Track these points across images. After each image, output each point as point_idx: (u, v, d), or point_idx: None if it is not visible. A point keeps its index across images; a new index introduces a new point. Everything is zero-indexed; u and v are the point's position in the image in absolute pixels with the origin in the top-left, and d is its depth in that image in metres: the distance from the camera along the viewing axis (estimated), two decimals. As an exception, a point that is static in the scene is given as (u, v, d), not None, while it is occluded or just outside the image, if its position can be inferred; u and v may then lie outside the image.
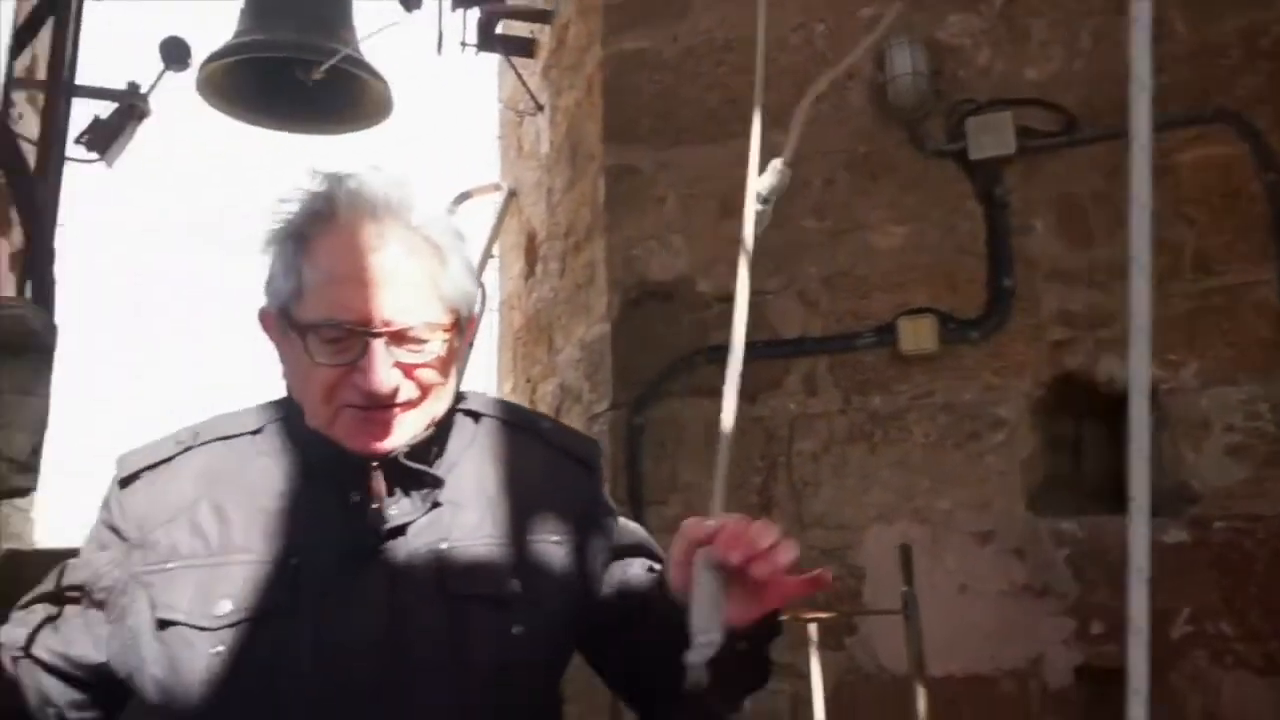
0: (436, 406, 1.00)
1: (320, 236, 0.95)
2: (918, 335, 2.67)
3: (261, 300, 1.03)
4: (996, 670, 2.52)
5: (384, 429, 0.96)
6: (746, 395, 2.83)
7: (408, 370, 0.95)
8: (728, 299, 2.96)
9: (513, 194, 4.84)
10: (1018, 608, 2.50)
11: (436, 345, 0.97)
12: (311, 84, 2.97)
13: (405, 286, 0.94)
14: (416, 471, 0.98)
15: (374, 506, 0.96)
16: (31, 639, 0.96)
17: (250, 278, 1.03)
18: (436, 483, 1.00)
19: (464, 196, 4.91)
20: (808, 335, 2.85)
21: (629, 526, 1.16)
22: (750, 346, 3.10)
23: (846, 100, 2.88)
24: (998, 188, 2.70)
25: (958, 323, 2.67)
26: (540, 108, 4.08)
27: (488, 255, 4.84)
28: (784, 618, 2.25)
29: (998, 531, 2.57)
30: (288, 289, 0.96)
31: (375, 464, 0.97)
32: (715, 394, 3.09)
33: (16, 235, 3.39)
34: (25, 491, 1.93)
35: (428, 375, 0.97)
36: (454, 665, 0.94)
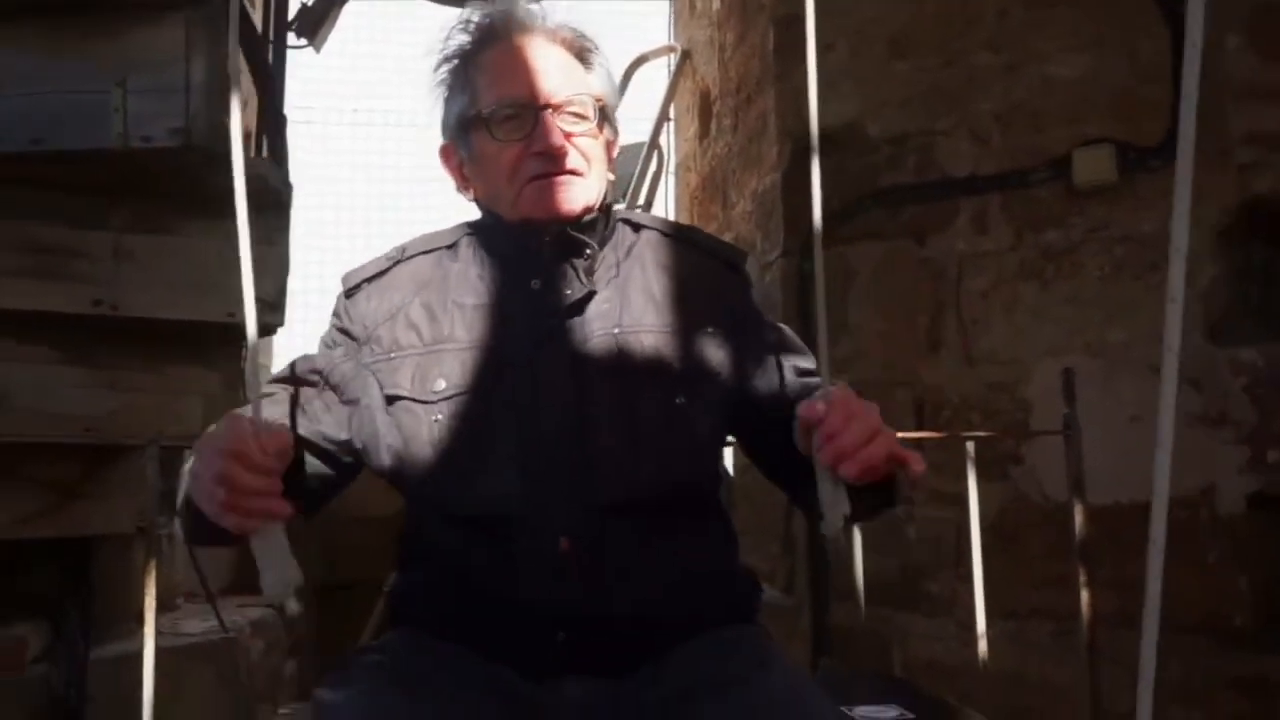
0: (598, 185, 1.18)
1: (485, 51, 1.19)
2: (1094, 166, 2.62)
3: (440, 140, 1.25)
4: (1166, 498, 2.54)
5: (561, 192, 1.14)
6: (915, 236, 2.92)
7: (570, 138, 1.15)
8: (897, 141, 3.01)
9: (686, 55, 4.89)
10: (1191, 437, 2.48)
11: (592, 121, 1.17)
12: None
13: (558, 71, 1.17)
14: (579, 245, 1.16)
15: (547, 280, 1.15)
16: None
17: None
18: (594, 254, 1.17)
19: (639, 60, 5.00)
20: (979, 174, 2.84)
21: (778, 326, 1.28)
22: (919, 188, 3.14)
23: (1022, -75, 2.78)
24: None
25: (1138, 151, 2.60)
26: (710, -37, 4.09)
27: (664, 118, 4.95)
28: (943, 435, 2.32)
29: (1173, 362, 2.54)
30: (464, 100, 1.18)
31: (548, 237, 1.15)
32: (883, 237, 3.16)
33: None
34: (274, 329, 2.28)
35: (588, 145, 1.17)
36: (628, 428, 1.10)
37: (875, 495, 1.01)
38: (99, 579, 2.50)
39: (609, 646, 1.07)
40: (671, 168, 5.14)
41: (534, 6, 1.21)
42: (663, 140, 4.98)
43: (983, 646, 2.02)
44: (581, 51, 1.21)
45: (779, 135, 3.22)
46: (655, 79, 5.06)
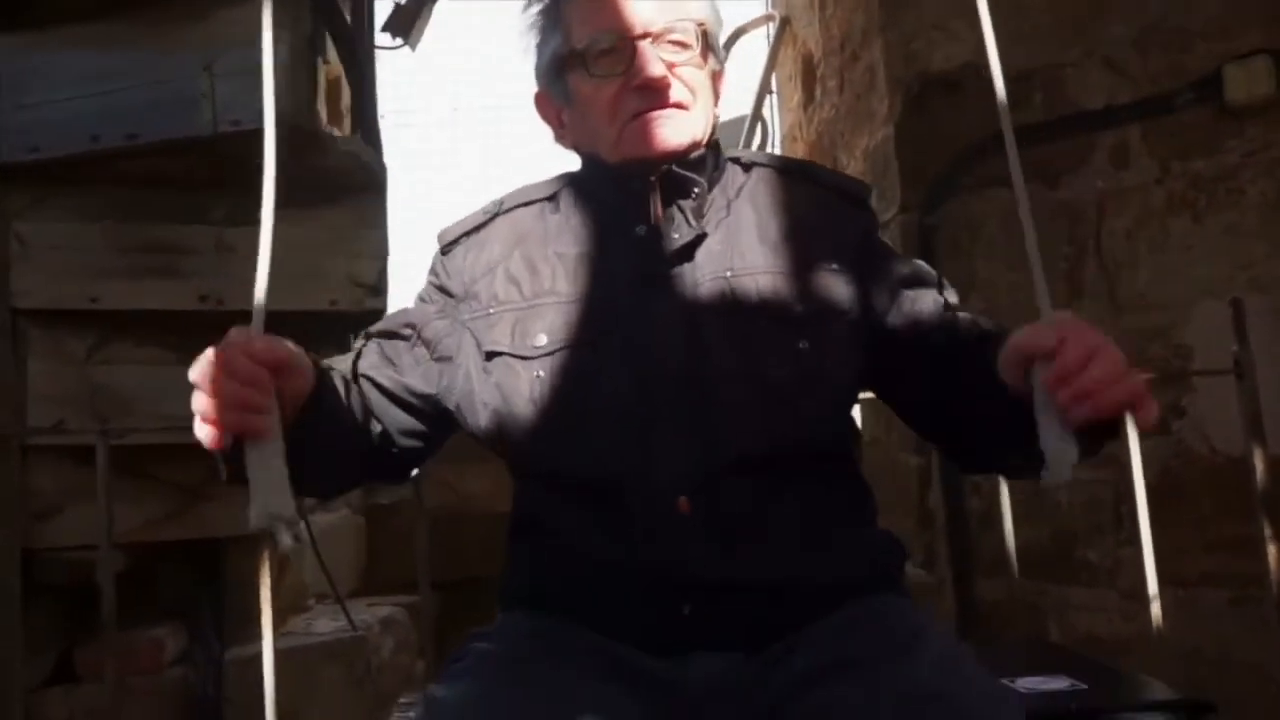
0: (705, 119, 1.09)
1: None
2: (1250, 81, 2.36)
3: (534, 88, 1.17)
4: (1356, 447, 2.26)
5: (665, 127, 1.05)
6: (1046, 178, 2.70)
7: (673, 68, 1.05)
8: (1021, 78, 2.78)
9: (785, 21, 4.73)
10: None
11: (695, 49, 1.07)
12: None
13: None
14: (687, 185, 1.07)
15: (654, 225, 1.06)
16: (356, 365, 1.12)
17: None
18: (702, 194, 1.08)
19: (737, 33, 4.86)
20: (1115, 104, 2.61)
21: (911, 260, 1.16)
22: (1048, 126, 2.90)
23: None
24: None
25: (1300, 59, 2.33)
26: (804, -81, 3.93)
27: (765, 89, 4.81)
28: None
29: (1358, 293, 2.28)
30: (557, 40, 1.10)
31: (653, 178, 1.06)
32: (1010, 182, 2.92)
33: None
34: (379, 313, 2.25)
35: (691, 75, 1.07)
36: (748, 377, 1.01)
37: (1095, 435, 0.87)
38: (230, 581, 2.53)
39: (740, 617, 0.97)
40: (776, 141, 4.98)
41: None
42: (766, 113, 4.84)
43: (1156, 610, 1.82)
44: None
45: (889, 87, 3.04)
46: (754, 52, 4.92)
